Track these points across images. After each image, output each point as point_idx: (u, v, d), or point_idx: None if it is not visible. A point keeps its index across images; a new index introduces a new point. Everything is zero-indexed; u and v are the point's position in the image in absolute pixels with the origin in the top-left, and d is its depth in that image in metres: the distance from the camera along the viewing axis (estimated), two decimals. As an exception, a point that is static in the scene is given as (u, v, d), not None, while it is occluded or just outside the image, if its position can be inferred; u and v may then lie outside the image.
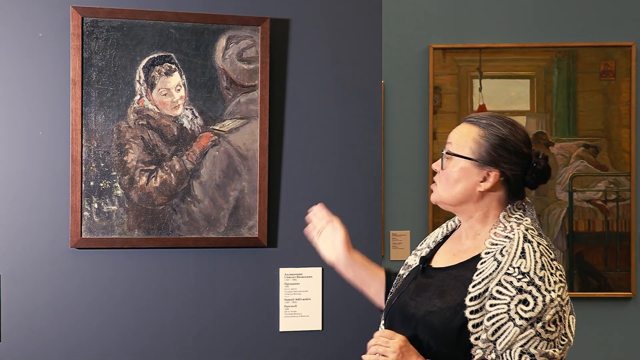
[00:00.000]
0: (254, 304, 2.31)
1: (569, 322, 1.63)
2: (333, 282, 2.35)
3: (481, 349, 1.60)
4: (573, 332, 1.64)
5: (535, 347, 1.55)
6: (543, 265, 1.60)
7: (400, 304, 1.79)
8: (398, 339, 1.64)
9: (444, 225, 1.94)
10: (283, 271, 2.33)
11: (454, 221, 1.92)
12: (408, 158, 3.75)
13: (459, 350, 1.62)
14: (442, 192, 1.76)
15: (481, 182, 1.72)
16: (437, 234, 1.93)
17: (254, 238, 2.28)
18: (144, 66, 2.21)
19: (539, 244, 1.64)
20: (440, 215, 3.71)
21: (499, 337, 1.57)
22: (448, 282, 1.71)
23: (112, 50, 2.19)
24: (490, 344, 1.59)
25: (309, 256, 2.34)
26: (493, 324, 1.58)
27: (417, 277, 1.80)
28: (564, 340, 1.60)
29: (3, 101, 2.17)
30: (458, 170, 1.73)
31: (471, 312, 1.61)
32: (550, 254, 1.65)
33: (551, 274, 1.59)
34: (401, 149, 3.74)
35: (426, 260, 1.83)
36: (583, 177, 3.70)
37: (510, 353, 1.56)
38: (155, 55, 2.21)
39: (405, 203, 3.76)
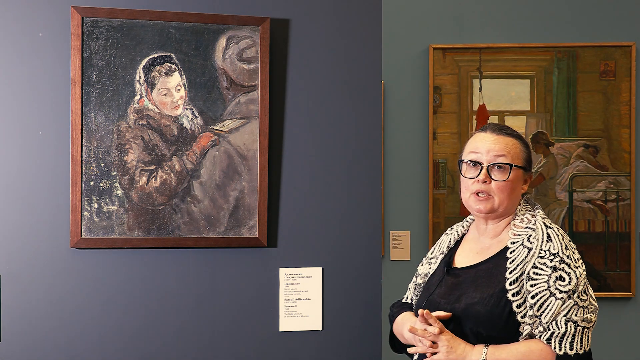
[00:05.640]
0: (254, 304, 2.31)
1: (590, 291, 1.89)
2: (333, 282, 2.35)
3: (529, 324, 1.83)
4: (595, 298, 1.90)
5: (576, 314, 1.82)
6: (566, 246, 1.88)
7: (431, 304, 1.96)
8: (446, 334, 1.86)
9: (452, 232, 2.13)
10: (283, 271, 2.33)
11: (462, 226, 2.11)
12: (408, 158, 3.75)
13: (509, 330, 1.85)
14: (506, 201, 1.95)
15: (522, 185, 1.99)
16: (447, 241, 2.11)
17: (254, 238, 2.28)
18: (144, 66, 2.21)
19: (557, 228, 1.92)
20: (440, 215, 3.71)
21: (543, 311, 1.82)
22: (480, 275, 1.92)
23: (112, 50, 2.19)
24: (536, 319, 1.83)
25: (309, 256, 2.34)
26: (537, 301, 1.82)
27: (444, 279, 2.00)
28: (592, 306, 1.86)
29: (3, 101, 2.17)
30: (516, 180, 1.96)
31: (513, 295, 1.84)
32: (566, 236, 1.92)
33: (573, 252, 1.88)
34: (401, 149, 3.74)
35: (449, 263, 2.03)
36: (583, 177, 3.70)
37: (556, 323, 1.82)
38: (155, 55, 2.21)
39: (405, 203, 3.75)
